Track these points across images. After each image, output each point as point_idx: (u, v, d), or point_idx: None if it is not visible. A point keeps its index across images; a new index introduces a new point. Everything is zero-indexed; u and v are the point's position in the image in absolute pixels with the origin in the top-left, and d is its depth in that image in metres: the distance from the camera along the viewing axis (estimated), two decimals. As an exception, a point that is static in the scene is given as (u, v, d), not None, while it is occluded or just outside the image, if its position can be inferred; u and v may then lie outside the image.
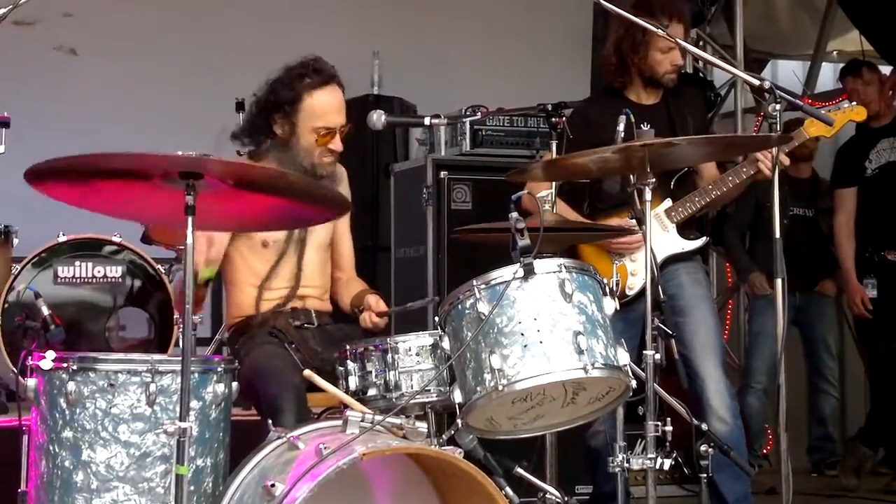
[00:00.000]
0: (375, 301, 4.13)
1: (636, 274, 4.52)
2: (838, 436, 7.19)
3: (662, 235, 4.59)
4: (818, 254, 6.75)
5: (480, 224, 4.06)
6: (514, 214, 3.43)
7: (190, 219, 3.06)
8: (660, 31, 4.04)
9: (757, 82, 4.07)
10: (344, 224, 4.33)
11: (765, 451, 6.87)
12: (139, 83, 6.92)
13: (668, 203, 4.62)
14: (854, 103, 4.68)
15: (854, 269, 6.41)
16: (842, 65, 7.15)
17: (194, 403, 3.31)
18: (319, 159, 4.09)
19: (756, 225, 6.69)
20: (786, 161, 4.41)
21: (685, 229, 4.66)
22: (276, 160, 4.10)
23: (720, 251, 7.04)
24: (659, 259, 4.52)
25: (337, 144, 4.10)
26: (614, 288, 3.74)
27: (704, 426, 3.66)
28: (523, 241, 3.37)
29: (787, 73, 8.52)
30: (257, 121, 4.16)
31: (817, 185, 6.88)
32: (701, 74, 7.27)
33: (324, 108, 4.08)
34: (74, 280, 5.51)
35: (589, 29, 6.82)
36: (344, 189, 4.24)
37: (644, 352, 3.49)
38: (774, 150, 4.12)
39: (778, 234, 3.88)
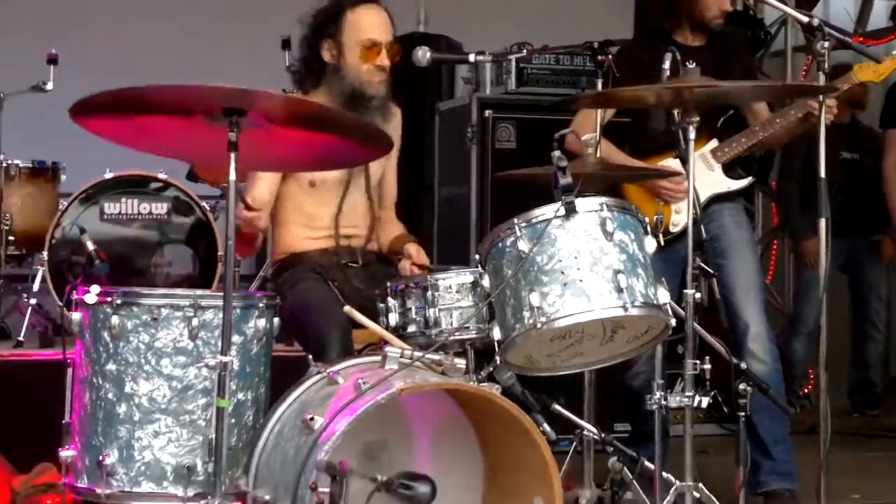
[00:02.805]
0: (416, 251, 4.12)
1: (680, 212, 4.49)
2: (881, 381, 7.15)
3: (707, 175, 4.56)
4: (867, 197, 6.66)
5: (524, 167, 4.05)
6: (557, 153, 3.41)
7: (233, 155, 3.07)
8: None
9: (806, 20, 4.02)
10: (392, 164, 4.32)
11: (805, 392, 6.85)
12: (187, 20, 6.92)
13: (714, 143, 4.59)
14: None
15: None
16: (895, 2, 7.03)
17: (236, 338, 3.34)
18: (368, 77, 4.09)
19: (809, 174, 6.61)
20: (833, 107, 4.35)
21: (731, 169, 4.62)
22: (325, 93, 4.11)
23: (765, 190, 6.97)
24: (704, 198, 4.50)
25: (383, 60, 4.09)
26: (658, 225, 3.73)
27: (743, 365, 3.65)
28: (565, 180, 3.37)
29: (839, 10, 8.38)
30: (307, 52, 4.18)
31: (858, 129, 6.78)
32: (751, 12, 7.18)
33: (367, 22, 4.10)
34: (120, 217, 5.55)
35: (637, -36, 6.74)
36: (395, 127, 4.22)
37: (684, 290, 3.48)
38: (820, 96, 4.07)
39: (823, 174, 3.84)
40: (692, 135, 3.57)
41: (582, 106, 4.13)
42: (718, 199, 4.59)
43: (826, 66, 3.94)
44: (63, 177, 5.77)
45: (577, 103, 4.02)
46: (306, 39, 4.19)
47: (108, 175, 5.53)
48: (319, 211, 4.15)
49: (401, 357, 3.26)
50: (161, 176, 5.58)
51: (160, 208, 5.61)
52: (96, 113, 3.10)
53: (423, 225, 5.91)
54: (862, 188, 6.62)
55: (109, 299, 3.38)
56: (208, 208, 5.65)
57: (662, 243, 3.50)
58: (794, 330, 6.60)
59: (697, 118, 3.57)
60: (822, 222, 3.85)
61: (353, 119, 3.35)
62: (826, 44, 3.92)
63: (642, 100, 3.73)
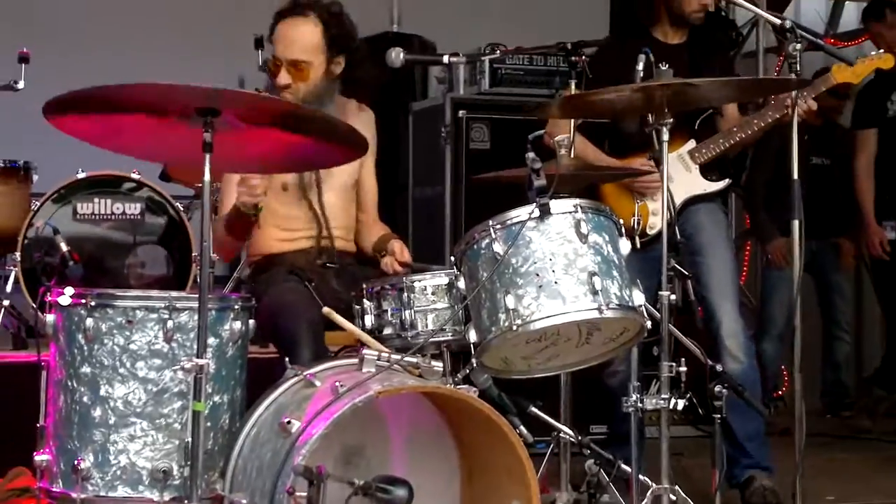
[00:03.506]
0: (400, 248, 4.11)
1: (657, 213, 4.50)
2: (853, 381, 7.20)
3: (685, 176, 4.58)
4: (834, 202, 6.71)
5: (498, 167, 4.05)
6: (531, 154, 3.43)
7: (207, 156, 3.06)
8: None
9: (778, 21, 4.06)
10: (369, 166, 4.30)
11: (779, 393, 6.88)
12: (158, 19, 6.89)
13: (691, 144, 4.61)
14: (882, 51, 4.62)
15: (873, 210, 6.38)
16: (866, 3, 7.06)
17: (211, 340, 3.33)
18: (279, 92, 4.02)
19: (779, 174, 6.64)
20: (813, 106, 4.38)
21: (708, 171, 4.64)
22: None
23: (739, 192, 7.00)
24: (680, 200, 4.53)
25: (281, 77, 4.02)
26: (635, 227, 3.75)
27: (719, 367, 3.67)
28: (539, 181, 3.37)
29: (811, 11, 8.43)
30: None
31: (834, 132, 6.82)
32: (723, 13, 7.19)
33: (277, 36, 4.07)
34: (94, 217, 5.52)
35: (608, -35, 6.77)
36: (369, 131, 4.20)
37: (659, 292, 3.50)
38: (793, 93, 4.09)
39: (796, 176, 3.86)
40: (665, 136, 3.58)
41: (551, 115, 4.13)
42: (695, 200, 4.61)
43: (798, 67, 3.97)
44: (35, 176, 5.72)
45: (545, 111, 4.00)
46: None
47: (81, 175, 5.50)
48: (293, 213, 4.15)
49: (378, 360, 3.26)
50: (134, 176, 5.56)
51: (133, 208, 5.58)
52: (69, 112, 3.08)
53: (397, 226, 5.88)
54: (829, 192, 6.65)
55: (84, 301, 3.35)
56: (182, 208, 5.63)
57: (639, 245, 3.52)
58: (763, 331, 6.63)
59: (671, 119, 3.58)
60: (795, 224, 3.87)
61: (324, 117, 3.33)
62: (798, 45, 3.95)
63: (611, 105, 3.73)
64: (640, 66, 3.65)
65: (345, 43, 4.11)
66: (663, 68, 3.59)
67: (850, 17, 8.23)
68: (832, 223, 6.73)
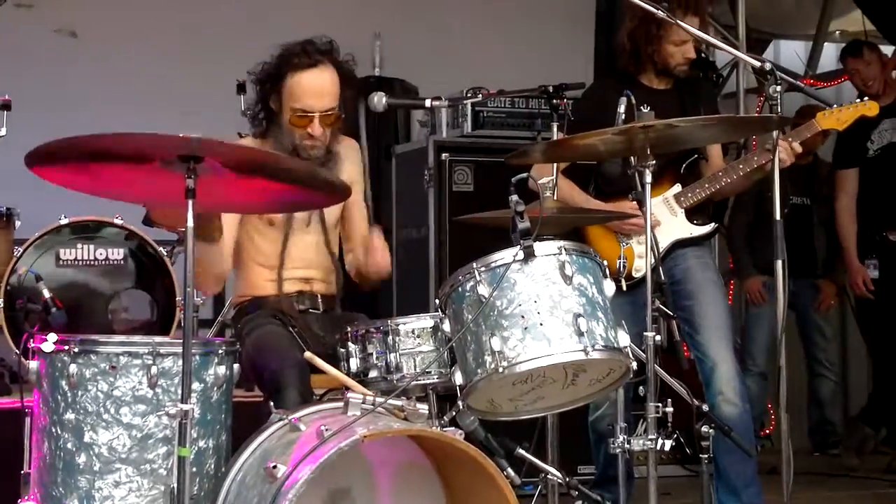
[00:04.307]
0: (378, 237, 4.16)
1: (643, 256, 4.50)
2: (840, 417, 7.21)
3: (671, 220, 4.60)
4: (812, 241, 6.74)
5: (482, 209, 4.06)
6: (514, 197, 3.43)
7: (190, 202, 3.06)
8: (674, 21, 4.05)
9: (757, 63, 4.08)
10: (356, 200, 4.26)
11: (767, 432, 6.88)
12: (140, 65, 6.90)
13: (677, 188, 4.63)
14: (866, 99, 4.65)
15: (856, 249, 6.42)
16: (843, 45, 7.13)
17: (196, 385, 3.32)
18: (301, 142, 4.04)
19: (759, 214, 6.67)
20: (798, 149, 4.41)
21: (694, 215, 4.66)
22: (274, 138, 4.09)
23: (722, 231, 7.03)
24: (666, 243, 4.55)
25: (315, 129, 4.02)
26: (621, 270, 3.75)
27: (705, 407, 3.67)
28: (523, 224, 3.38)
29: (790, 53, 8.50)
30: (257, 97, 4.15)
31: (816, 171, 6.86)
32: (703, 55, 7.24)
33: (302, 89, 4.02)
34: (76, 262, 5.51)
35: (592, 8, 6.81)
36: (354, 164, 4.20)
37: (644, 333, 3.50)
38: (775, 134, 4.12)
39: (779, 216, 3.88)
40: (648, 178, 3.59)
41: (533, 160, 4.14)
42: (682, 244, 4.62)
43: (779, 108, 3.99)
44: (18, 222, 5.71)
45: (527, 157, 4.02)
46: (256, 85, 4.15)
47: (64, 221, 5.50)
48: (279, 252, 4.13)
49: (363, 403, 3.25)
50: (117, 221, 5.56)
51: (117, 253, 5.58)
52: (51, 161, 3.08)
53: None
54: (808, 232, 6.68)
55: (67, 348, 3.34)
56: (165, 253, 5.62)
57: (625, 288, 3.52)
58: (745, 368, 6.63)
59: (653, 162, 3.60)
60: (779, 264, 3.88)
61: (305, 169, 3.34)
62: (778, 87, 3.97)
63: (594, 148, 3.74)
64: (622, 109, 3.67)
65: (352, 83, 4.15)
66: (645, 111, 3.61)
67: (829, 58, 8.31)
68: (812, 263, 6.76)
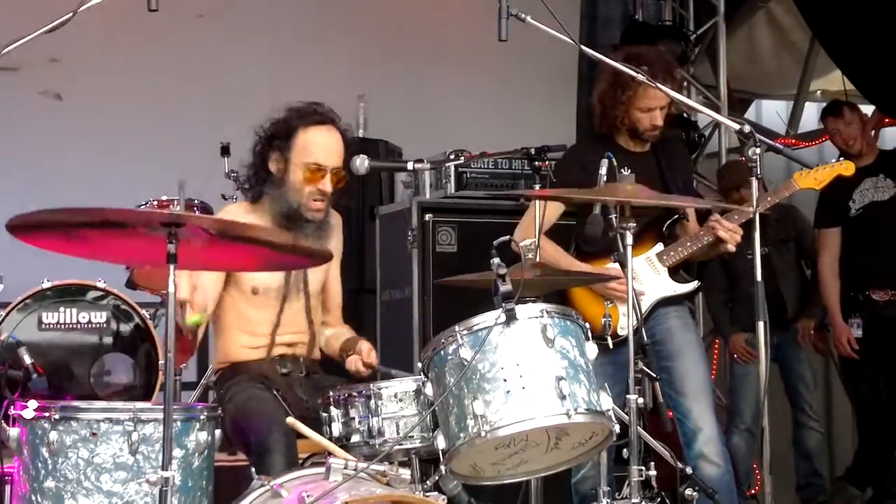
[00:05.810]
0: (368, 350, 4.12)
1: (627, 314, 4.52)
2: (826, 471, 7.17)
3: (654, 278, 4.62)
4: (779, 289, 6.72)
5: (466, 269, 4.06)
6: (496, 260, 3.44)
7: (172, 266, 3.07)
8: (644, 79, 4.09)
9: (737, 126, 4.11)
10: (334, 269, 4.32)
11: (753, 492, 6.85)
12: (124, 129, 6.93)
13: (659, 247, 4.66)
14: (842, 159, 4.70)
15: (839, 309, 6.42)
16: (824, 104, 7.18)
17: (177, 452, 3.30)
18: (308, 200, 4.06)
19: (729, 274, 6.65)
20: (738, 235, 4.49)
21: (676, 273, 4.68)
22: (268, 203, 4.11)
23: (703, 289, 7.04)
24: (650, 301, 4.58)
25: (326, 185, 4.07)
26: (606, 328, 3.74)
27: (689, 469, 3.66)
28: (505, 287, 3.38)
29: (771, 112, 8.57)
30: (256, 159, 4.17)
31: (765, 219, 6.85)
32: (685, 115, 7.31)
33: (316, 144, 4.08)
34: (59, 326, 5.49)
35: (574, 71, 6.86)
36: (336, 238, 4.23)
37: (627, 396, 3.50)
38: (754, 198, 4.15)
39: (759, 278, 3.89)
40: (629, 240, 3.62)
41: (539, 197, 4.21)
42: (664, 302, 4.64)
43: (759, 170, 4.02)
44: (0, 286, 5.69)
45: (526, 201, 4.06)
46: (257, 146, 4.18)
47: (46, 284, 5.47)
48: (261, 318, 4.14)
49: (345, 468, 3.24)
50: (100, 284, 5.53)
51: (99, 317, 5.55)
52: (34, 228, 3.10)
53: (364, 330, 5.89)
54: (773, 281, 6.66)
55: (47, 414, 3.33)
56: (148, 316, 5.60)
57: (611, 345, 3.52)
58: (732, 425, 6.62)
59: (633, 224, 3.62)
60: (760, 325, 3.89)
61: (286, 241, 3.36)
62: (758, 149, 4.00)
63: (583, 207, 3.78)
64: (604, 171, 3.70)
65: (350, 150, 4.19)
66: (626, 173, 3.64)
67: (811, 117, 8.37)
68: (784, 311, 6.72)
